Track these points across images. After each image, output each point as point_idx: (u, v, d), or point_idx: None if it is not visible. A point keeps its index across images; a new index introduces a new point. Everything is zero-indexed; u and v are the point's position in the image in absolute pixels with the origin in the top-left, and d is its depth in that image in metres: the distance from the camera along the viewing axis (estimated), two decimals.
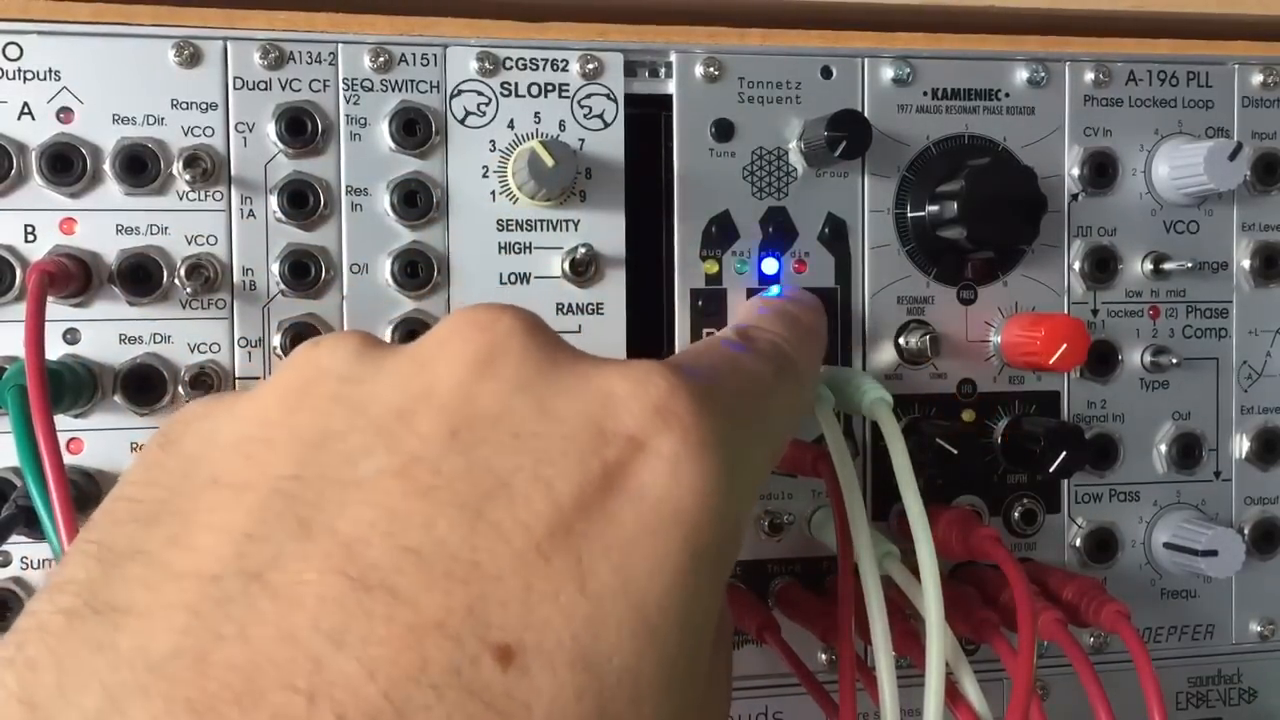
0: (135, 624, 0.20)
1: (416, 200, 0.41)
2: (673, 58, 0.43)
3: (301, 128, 0.40)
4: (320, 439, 0.23)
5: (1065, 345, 0.41)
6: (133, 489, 0.25)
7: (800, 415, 0.34)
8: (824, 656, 0.44)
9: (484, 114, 0.42)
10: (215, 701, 0.19)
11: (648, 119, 0.43)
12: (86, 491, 0.39)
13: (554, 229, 0.42)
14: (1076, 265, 0.45)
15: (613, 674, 0.20)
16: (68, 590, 0.22)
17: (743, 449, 0.25)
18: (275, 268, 0.40)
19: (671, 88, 0.43)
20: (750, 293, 0.43)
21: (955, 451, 0.41)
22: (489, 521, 0.21)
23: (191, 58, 0.40)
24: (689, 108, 0.43)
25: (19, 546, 0.39)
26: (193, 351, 0.40)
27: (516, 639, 0.20)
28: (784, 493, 0.43)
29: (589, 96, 0.42)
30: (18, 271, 0.39)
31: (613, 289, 0.42)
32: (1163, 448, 0.46)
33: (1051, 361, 0.41)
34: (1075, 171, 0.45)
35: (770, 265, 0.43)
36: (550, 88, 0.42)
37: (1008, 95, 0.45)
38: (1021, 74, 0.45)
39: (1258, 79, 0.47)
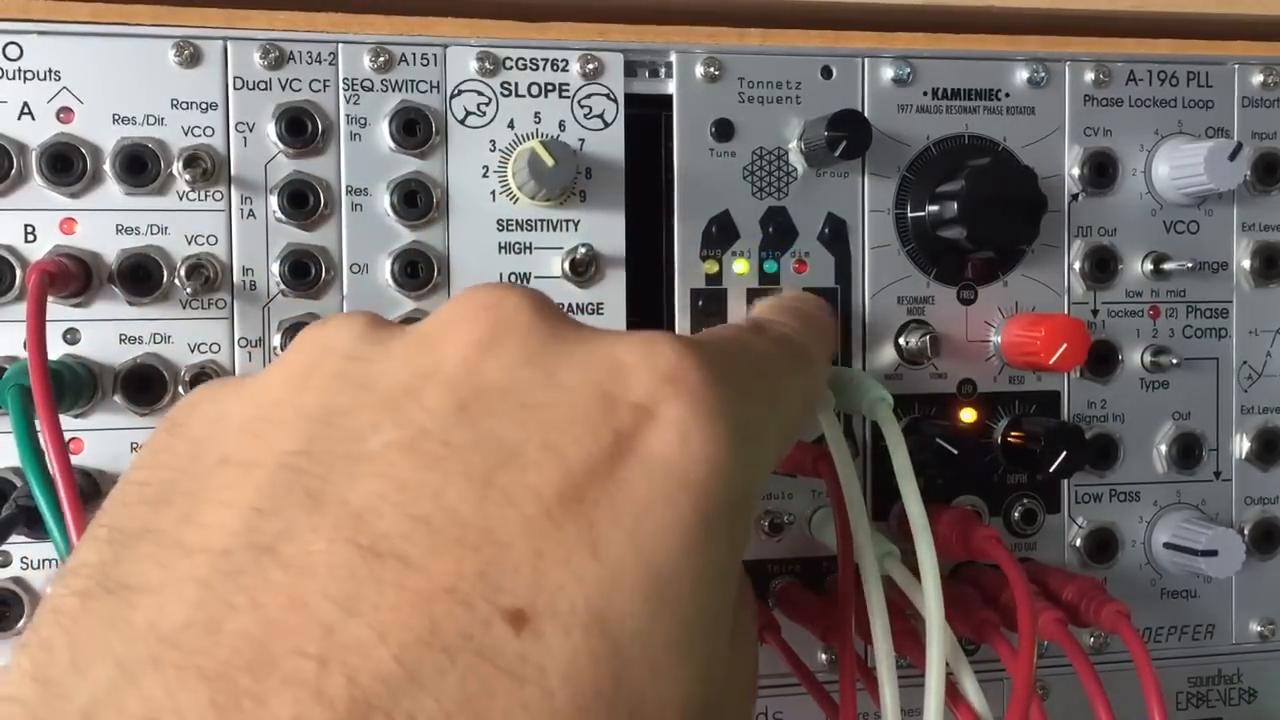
0: (148, 600, 0.21)
1: (416, 200, 0.41)
2: (673, 58, 0.43)
3: (301, 128, 0.40)
4: (328, 416, 0.23)
5: (1065, 345, 0.41)
6: (142, 473, 0.25)
7: (811, 404, 0.34)
8: (824, 656, 0.44)
9: (484, 114, 0.42)
10: (227, 669, 0.19)
11: (648, 119, 0.43)
12: (86, 491, 0.39)
13: (554, 229, 0.42)
14: (1076, 265, 0.45)
15: (627, 637, 0.20)
16: (81, 573, 0.22)
17: (752, 422, 0.25)
18: (275, 268, 0.40)
19: (671, 88, 0.43)
20: (750, 293, 0.43)
21: (955, 451, 0.42)
22: (499, 489, 0.21)
23: (191, 58, 0.40)
24: (689, 108, 0.43)
25: (19, 546, 0.39)
26: (193, 351, 0.40)
27: (529, 603, 0.20)
28: (784, 493, 0.43)
29: (589, 96, 0.42)
30: (18, 271, 0.39)
31: (613, 289, 0.42)
32: (1163, 448, 0.46)
33: (1051, 361, 0.41)
34: (1075, 171, 0.45)
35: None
36: (550, 88, 0.42)
37: (1008, 95, 0.45)
38: (1021, 74, 0.45)
39: (1258, 79, 0.47)
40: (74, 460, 0.39)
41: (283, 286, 0.40)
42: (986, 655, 0.41)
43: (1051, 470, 0.42)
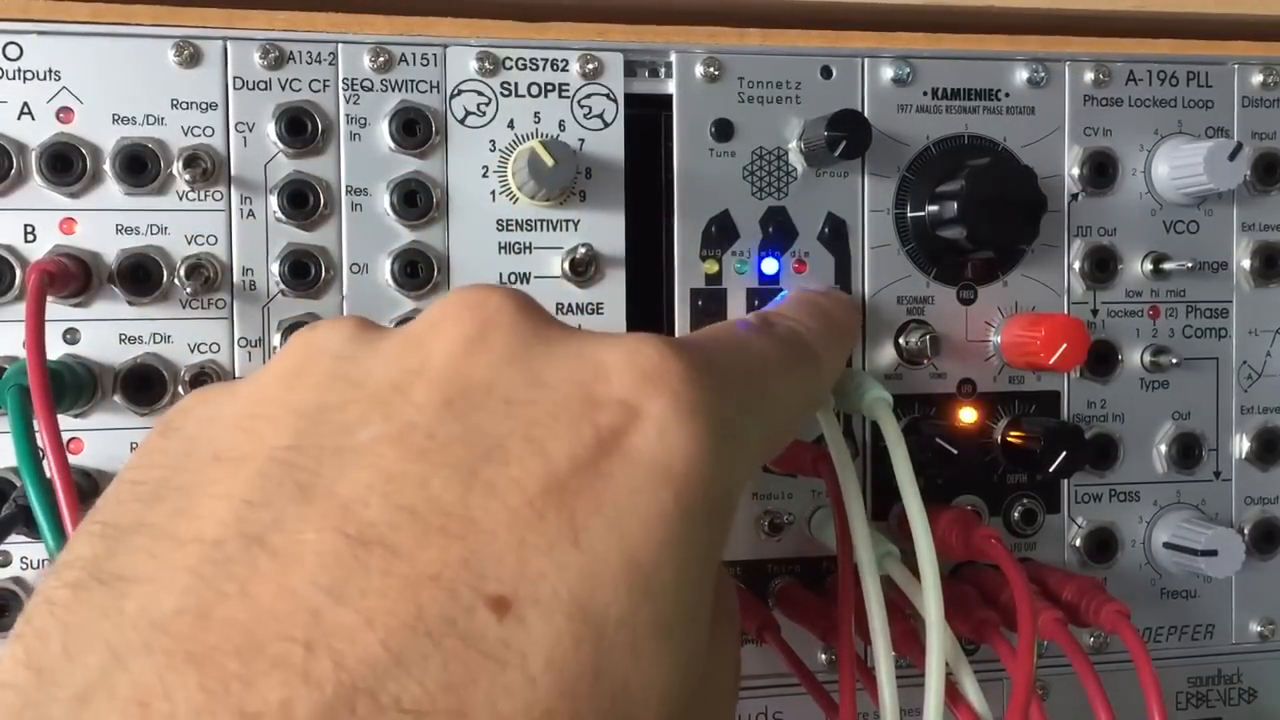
0: (140, 589, 0.21)
1: (416, 200, 0.41)
2: (673, 58, 0.43)
3: (301, 128, 0.40)
4: (318, 412, 0.24)
5: (1065, 345, 0.41)
6: (135, 472, 0.25)
7: (811, 405, 0.34)
8: (824, 656, 0.44)
9: (484, 114, 0.42)
10: (215, 653, 0.19)
11: (648, 119, 0.43)
12: (86, 491, 0.39)
13: (554, 229, 0.42)
14: (1076, 265, 0.45)
15: (609, 624, 0.21)
16: (74, 566, 0.22)
17: (736, 421, 0.26)
18: (275, 268, 0.40)
19: (671, 88, 0.43)
20: (750, 293, 0.43)
21: (955, 451, 0.42)
22: (483, 480, 0.22)
23: (191, 58, 0.40)
24: (689, 108, 0.43)
25: (19, 546, 0.39)
26: (193, 351, 0.40)
27: (512, 590, 0.20)
28: (784, 493, 0.43)
29: (589, 96, 0.42)
30: (18, 271, 0.39)
31: (613, 289, 0.42)
32: (1163, 448, 0.46)
33: (1051, 361, 0.41)
34: (1075, 171, 0.45)
35: (770, 265, 0.43)
36: (550, 88, 0.42)
37: (1008, 95, 0.45)
38: (1021, 74, 0.45)
39: (1258, 79, 0.47)
40: (74, 460, 0.39)
41: (283, 286, 0.40)
42: (986, 655, 0.41)
43: (1051, 470, 0.42)
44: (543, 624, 0.20)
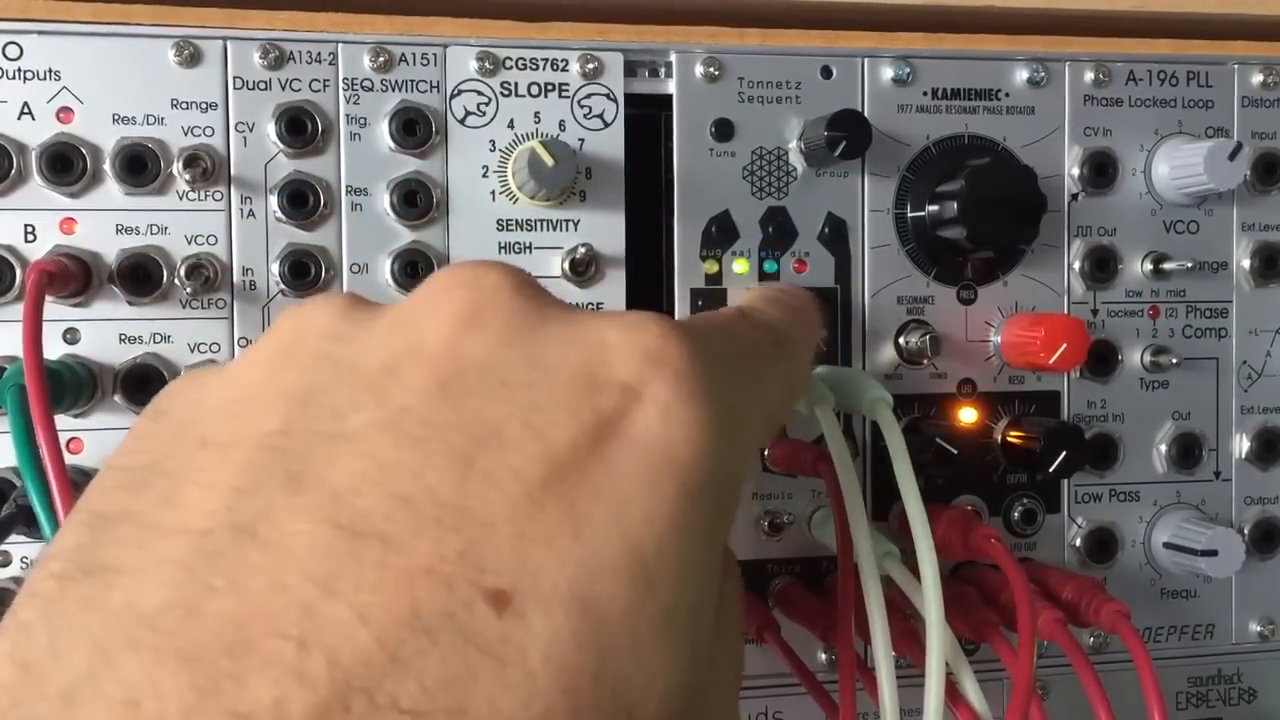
0: (126, 581, 0.20)
1: (416, 200, 0.41)
2: (673, 58, 0.43)
3: (301, 128, 0.40)
4: (307, 395, 0.23)
5: (1065, 345, 0.41)
6: (122, 458, 0.24)
7: (796, 393, 0.33)
8: (824, 656, 0.44)
9: (484, 114, 0.42)
10: (206, 651, 0.18)
11: (648, 119, 0.43)
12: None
13: (554, 229, 0.42)
14: (1076, 265, 0.45)
15: (611, 618, 0.20)
16: (59, 557, 0.22)
17: (737, 404, 0.25)
18: (275, 268, 0.40)
19: (671, 88, 0.43)
20: None
21: (955, 451, 0.42)
22: (480, 469, 0.21)
23: (191, 58, 0.40)
24: (689, 108, 0.43)
25: (19, 546, 0.39)
26: (193, 351, 0.40)
27: (510, 584, 0.20)
28: (784, 493, 0.43)
29: (589, 96, 0.42)
30: (18, 271, 0.39)
31: (613, 289, 0.42)
32: (1163, 448, 0.46)
33: (1051, 361, 0.41)
34: (1075, 171, 0.45)
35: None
36: (550, 88, 0.42)
37: (1008, 95, 0.45)
38: (1021, 74, 0.45)
39: (1258, 79, 0.47)
40: (74, 460, 0.39)
41: (283, 286, 0.40)
42: (986, 655, 0.41)
43: (1051, 470, 0.42)
44: (542, 619, 0.19)
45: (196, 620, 0.19)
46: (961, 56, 0.45)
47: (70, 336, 0.39)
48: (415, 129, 0.41)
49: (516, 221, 0.42)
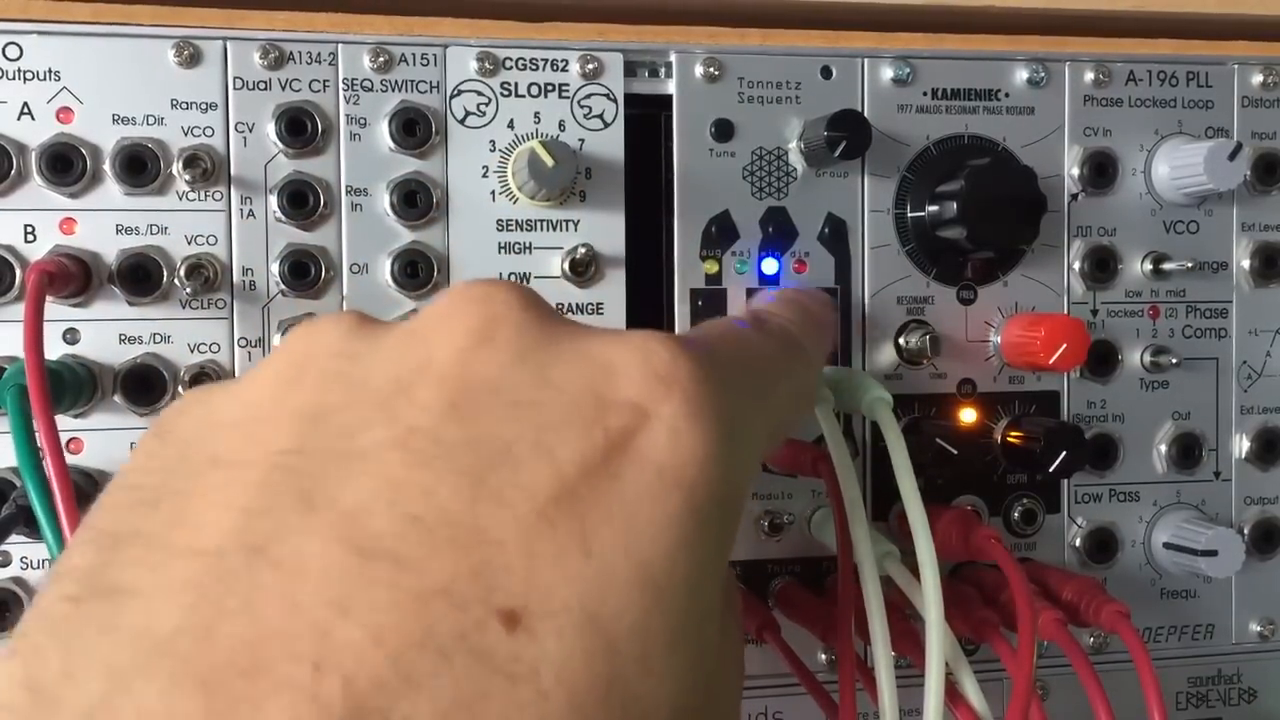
0: (138, 604, 0.20)
1: (416, 200, 0.41)
2: (673, 58, 0.43)
3: (301, 128, 0.40)
4: (318, 414, 0.23)
5: (1065, 345, 0.41)
6: (131, 477, 0.24)
7: (806, 400, 0.34)
8: (824, 656, 0.44)
9: (484, 114, 0.42)
10: (222, 675, 0.18)
11: (648, 119, 0.43)
12: (86, 491, 0.39)
13: (554, 229, 0.42)
14: (1076, 265, 0.45)
15: (621, 634, 0.20)
16: (69, 578, 0.22)
17: (743, 418, 0.25)
18: (275, 268, 0.40)
19: (671, 88, 0.43)
20: (750, 293, 0.43)
21: (955, 451, 0.41)
22: (491, 488, 0.21)
23: (191, 58, 0.40)
24: (689, 108, 0.43)
25: (19, 546, 0.39)
26: (193, 351, 0.40)
27: (522, 603, 0.20)
28: (784, 493, 0.43)
29: (589, 96, 0.42)
30: (18, 271, 0.39)
31: (613, 289, 0.42)
32: (1163, 448, 0.46)
33: (1051, 361, 0.41)
34: (1075, 171, 0.45)
35: (770, 265, 0.43)
36: (550, 88, 0.42)
37: (1008, 95, 0.45)
38: (1021, 74, 0.45)
39: (1258, 79, 0.47)
40: (74, 460, 0.39)
41: (282, 286, 0.40)
42: (986, 655, 0.41)
43: (1051, 470, 0.42)
44: (554, 637, 0.20)
45: (211, 643, 0.19)
46: (961, 56, 0.45)
47: (70, 336, 0.39)
48: (415, 129, 0.41)
49: (516, 221, 0.42)
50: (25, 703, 0.20)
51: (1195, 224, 0.46)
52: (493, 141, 0.42)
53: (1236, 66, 0.47)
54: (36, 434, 0.34)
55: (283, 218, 0.40)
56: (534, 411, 0.22)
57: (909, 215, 0.44)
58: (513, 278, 0.42)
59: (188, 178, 0.39)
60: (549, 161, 0.39)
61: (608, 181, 0.42)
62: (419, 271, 0.41)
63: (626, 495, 0.22)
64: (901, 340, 0.44)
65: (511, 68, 0.42)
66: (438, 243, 0.41)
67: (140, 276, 0.39)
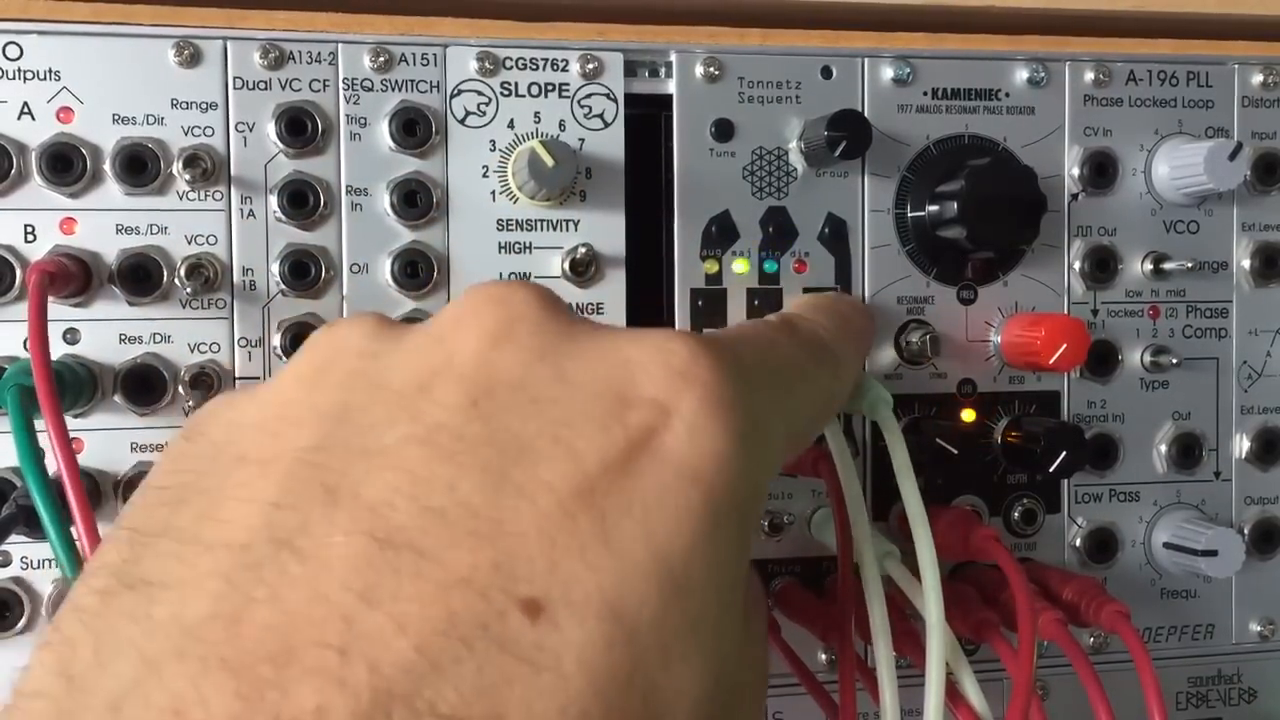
0: (169, 595, 0.21)
1: (416, 200, 0.41)
2: (673, 58, 0.43)
3: (301, 128, 0.40)
4: (343, 413, 0.24)
5: (1065, 345, 0.41)
6: (160, 477, 0.25)
7: (832, 406, 0.34)
8: (824, 656, 0.44)
9: (484, 114, 0.42)
10: (250, 659, 0.19)
11: (648, 119, 0.43)
12: (86, 491, 0.38)
13: (554, 229, 0.42)
14: (1076, 265, 0.45)
15: (642, 625, 0.21)
16: (101, 573, 0.22)
17: (763, 418, 0.26)
18: (275, 268, 0.40)
19: (671, 88, 0.43)
20: (750, 293, 0.43)
21: (955, 451, 0.42)
22: (513, 482, 0.21)
23: (191, 58, 0.40)
24: (689, 108, 0.43)
25: (19, 546, 0.39)
26: (193, 351, 0.40)
27: (543, 593, 0.20)
28: (784, 493, 0.43)
29: (589, 96, 0.42)
30: (18, 271, 0.39)
31: (613, 289, 0.42)
32: (1163, 448, 0.46)
33: (1051, 361, 0.41)
34: (1075, 171, 0.45)
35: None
36: (550, 88, 0.42)
37: (1008, 95, 0.45)
38: (1021, 74, 0.45)
39: (1258, 79, 0.47)
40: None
41: (283, 286, 0.40)
42: (986, 655, 0.41)
43: (1051, 470, 0.42)
44: (575, 626, 0.20)
45: (239, 630, 0.19)
46: (961, 56, 0.45)
47: (70, 336, 0.39)
48: (415, 129, 0.41)
49: (516, 221, 0.42)
50: (59, 689, 0.20)
51: (1195, 224, 0.46)
52: (493, 141, 0.42)
53: (1236, 66, 0.47)
54: (37, 434, 0.34)
55: (283, 218, 0.40)
56: (554, 408, 0.23)
57: (909, 215, 0.44)
58: (512, 278, 0.42)
59: (188, 177, 0.39)
60: (549, 161, 0.39)
61: (608, 181, 0.42)
62: (419, 271, 0.41)
63: (646, 490, 0.22)
64: (902, 340, 0.44)
65: (511, 68, 0.42)
66: (438, 243, 0.41)
67: (140, 276, 0.39)
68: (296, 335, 0.40)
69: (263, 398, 0.26)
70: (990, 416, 0.45)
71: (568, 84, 0.42)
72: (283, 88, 0.40)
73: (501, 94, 0.42)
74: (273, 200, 0.40)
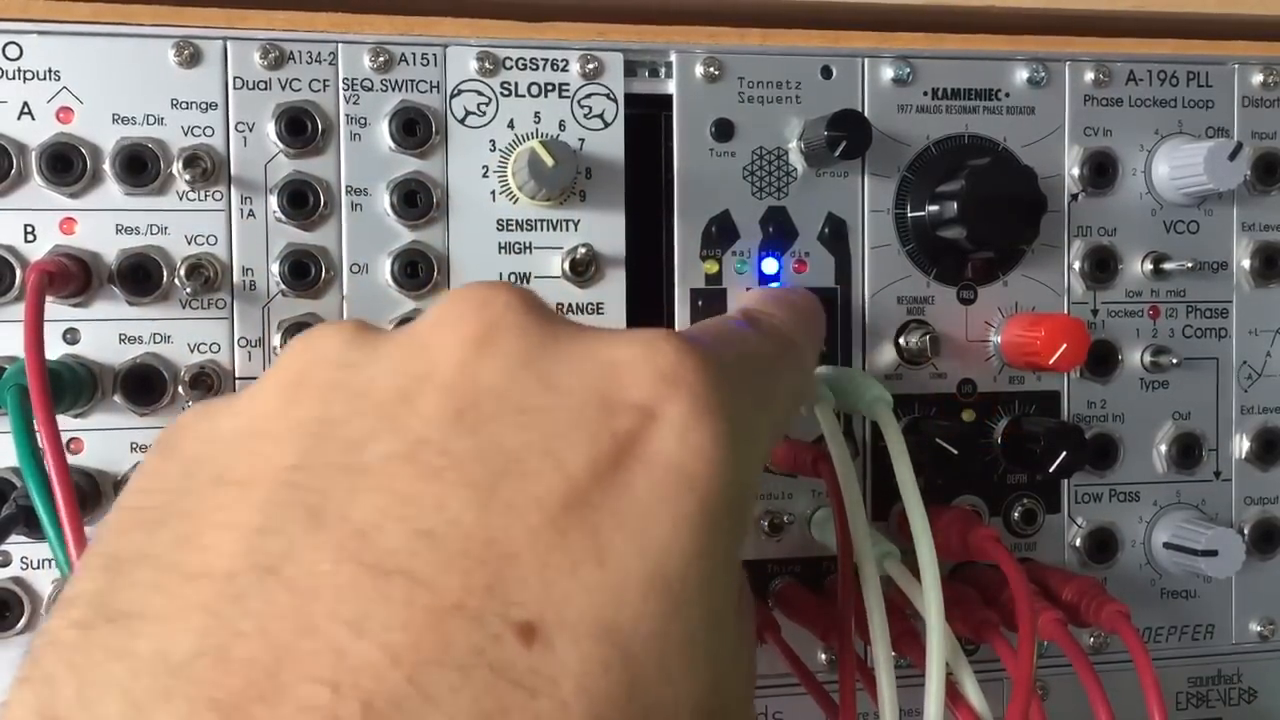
0: (151, 628, 0.20)
1: (416, 200, 0.41)
2: (673, 58, 0.43)
3: (301, 128, 0.40)
4: (322, 427, 0.23)
5: (1065, 345, 0.41)
6: (135, 498, 0.24)
7: (803, 398, 0.33)
8: (824, 656, 0.44)
9: (484, 114, 0.42)
10: (240, 699, 0.18)
11: (648, 119, 0.43)
12: (86, 491, 0.39)
13: (554, 229, 0.42)
14: (1076, 265, 0.45)
15: (638, 642, 0.20)
16: (77, 604, 0.21)
17: (749, 418, 0.25)
18: (275, 268, 0.40)
19: (671, 88, 0.43)
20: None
21: (955, 451, 0.41)
22: (502, 499, 0.21)
23: (191, 58, 0.40)
24: (689, 108, 0.43)
25: (19, 546, 0.39)
26: (193, 351, 0.40)
27: (538, 615, 0.20)
28: (784, 493, 0.43)
29: (589, 96, 0.42)
30: (18, 271, 0.39)
31: (613, 289, 0.42)
32: (1163, 448, 0.46)
33: (1051, 361, 0.41)
34: (1075, 171, 0.45)
35: (770, 265, 0.43)
36: (550, 88, 0.42)
37: (1008, 95, 0.45)
38: (1021, 74, 0.45)
39: (1258, 79, 0.47)
40: (74, 460, 0.39)
41: (283, 286, 0.40)
42: (986, 655, 0.41)
43: (1051, 470, 0.42)
44: (571, 648, 0.20)
45: (227, 667, 0.19)
46: (961, 56, 0.45)
47: (70, 336, 0.39)
48: (415, 129, 0.41)
49: (516, 221, 0.42)
50: None
51: (1195, 224, 0.46)
52: (493, 141, 0.42)
53: (1236, 66, 0.47)
54: (37, 434, 0.34)
55: (283, 218, 0.40)
56: (541, 418, 0.22)
57: (909, 215, 0.44)
58: (512, 278, 0.42)
59: (188, 177, 0.39)
60: (549, 161, 0.39)
61: (608, 181, 0.42)
62: (419, 271, 0.41)
63: (638, 499, 0.21)
64: (901, 340, 0.44)
65: (511, 67, 0.42)
66: (438, 243, 0.41)
67: (140, 276, 0.39)
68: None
69: (239, 410, 0.25)
70: (990, 416, 0.45)
71: (568, 84, 0.42)
72: (283, 88, 0.40)
73: (501, 94, 0.42)
74: (273, 200, 0.40)
